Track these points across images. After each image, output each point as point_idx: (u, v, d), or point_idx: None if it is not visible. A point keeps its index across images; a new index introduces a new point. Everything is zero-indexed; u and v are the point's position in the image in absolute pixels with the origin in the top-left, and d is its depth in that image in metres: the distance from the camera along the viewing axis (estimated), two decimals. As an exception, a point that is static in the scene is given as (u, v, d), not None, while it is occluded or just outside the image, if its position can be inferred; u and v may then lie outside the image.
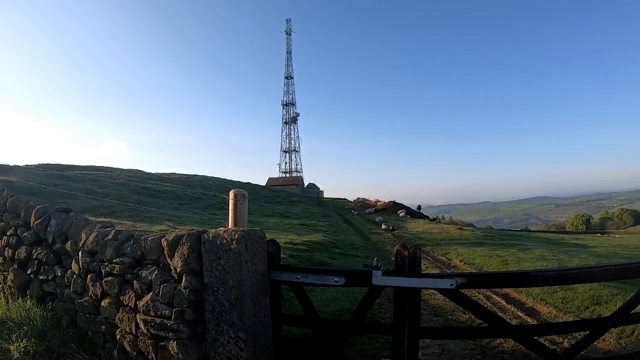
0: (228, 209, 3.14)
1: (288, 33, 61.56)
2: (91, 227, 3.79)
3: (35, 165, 16.42)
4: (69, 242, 3.80)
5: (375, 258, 2.82)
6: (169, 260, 2.93)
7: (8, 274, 4.21)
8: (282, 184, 48.38)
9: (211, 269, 2.75)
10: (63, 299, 3.62)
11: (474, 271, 6.71)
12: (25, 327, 3.43)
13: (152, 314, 2.90)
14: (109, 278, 3.26)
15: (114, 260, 3.29)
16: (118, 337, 3.14)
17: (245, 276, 2.69)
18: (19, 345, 3.20)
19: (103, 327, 3.25)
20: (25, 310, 3.60)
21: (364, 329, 3.16)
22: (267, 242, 2.98)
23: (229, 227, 3.06)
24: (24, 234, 4.28)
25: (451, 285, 2.61)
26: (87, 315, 3.37)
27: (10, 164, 10.29)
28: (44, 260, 3.90)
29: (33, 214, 4.32)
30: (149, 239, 3.16)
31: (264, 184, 42.93)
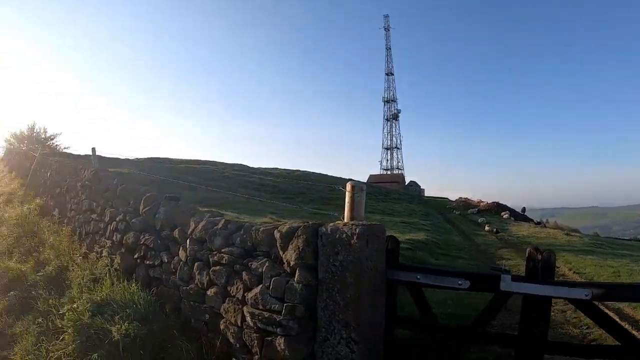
0: (344, 202, 3.81)
1: (387, 29, 73.74)
2: (199, 215, 4.96)
3: (145, 158, 21.54)
4: (177, 229, 5.05)
5: (503, 262, 3.25)
6: (281, 252, 3.66)
7: (115, 257, 5.77)
8: (383, 181, 56.46)
9: (327, 264, 3.39)
10: (168, 285, 4.79)
11: (607, 281, 7.24)
12: (128, 310, 4.69)
13: (261, 307, 3.65)
14: (217, 267, 4.26)
15: (223, 250, 4.30)
16: (222, 327, 4.04)
17: (364, 274, 3.28)
18: (121, 327, 4.42)
19: (207, 315, 4.20)
20: (129, 293, 4.75)
21: (484, 339, 3.46)
22: (386, 239, 3.58)
23: (345, 220, 3.79)
24: (133, 220, 5.74)
25: (586, 295, 2.86)
26: (192, 303, 4.42)
27: (120, 157, 13.42)
28: (151, 246, 5.20)
29: (142, 202, 5.80)
30: (261, 229, 4.06)
31: (364, 181, 49.43)
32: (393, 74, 73.44)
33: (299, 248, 3.55)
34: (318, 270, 3.49)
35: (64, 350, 4.24)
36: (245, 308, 3.84)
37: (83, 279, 5.49)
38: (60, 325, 4.57)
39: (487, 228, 19.93)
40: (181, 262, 4.69)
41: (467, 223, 23.64)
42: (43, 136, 39.56)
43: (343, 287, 3.32)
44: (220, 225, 4.47)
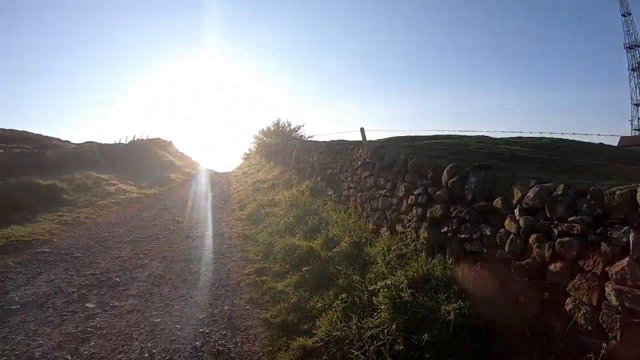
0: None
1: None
2: (522, 183, 5.09)
3: (384, 139, 24.16)
4: (497, 199, 5.25)
5: None
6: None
7: (420, 232, 6.35)
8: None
9: None
10: (491, 259, 5.13)
11: None
12: (455, 287, 5.14)
13: (630, 284, 3.65)
14: (564, 239, 4.26)
15: (570, 219, 4.31)
16: (568, 307, 4.09)
17: None
18: (450, 306, 4.78)
19: (545, 294, 4.31)
20: (449, 269, 5.34)
21: None
22: None
23: None
24: (438, 192, 6.31)
25: None
26: (525, 279, 4.59)
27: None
28: (466, 218, 5.64)
29: (445, 173, 6.19)
30: (617, 193, 3.93)
31: (610, 144, 43.65)
32: (630, 14, 70.98)
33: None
34: None
35: (380, 328, 4.73)
36: (608, 284, 3.73)
37: (388, 255, 6.18)
38: (372, 302, 5.18)
39: None
40: (511, 235, 4.82)
41: None
42: (288, 129, 46.07)
43: None
44: (560, 192, 4.43)
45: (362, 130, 10.32)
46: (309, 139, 26.48)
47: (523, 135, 12.47)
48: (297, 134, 43.08)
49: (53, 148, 30.73)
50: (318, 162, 12.81)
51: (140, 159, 29.14)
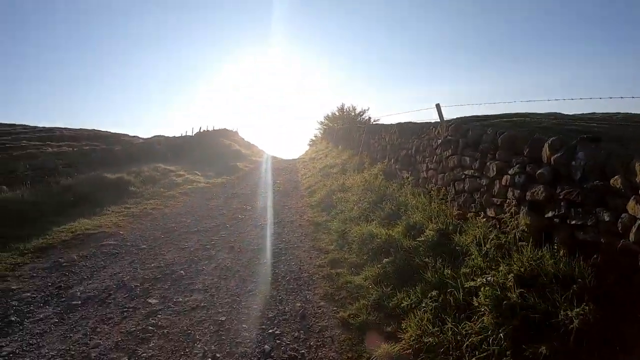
0: None
1: None
2: (646, 157, 4.33)
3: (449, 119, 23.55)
4: (615, 177, 4.52)
5: None
6: None
7: (520, 218, 5.64)
8: None
9: None
10: (612, 251, 4.37)
11: None
12: (575, 286, 4.39)
13: None
14: None
15: None
16: None
17: None
18: (571, 312, 4.03)
19: None
20: (561, 263, 4.49)
21: None
22: None
23: None
24: (539, 171, 5.56)
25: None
26: None
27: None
28: (577, 200, 4.88)
29: (546, 148, 5.49)
30: None
31: None
32: None
33: None
34: None
35: (482, 335, 4.16)
36: None
37: (484, 245, 5.50)
38: (470, 302, 4.59)
39: None
40: (638, 221, 4.07)
41: None
42: (352, 113, 45.92)
43: None
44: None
45: (437, 106, 9.64)
46: (375, 122, 26.00)
47: (597, 111, 11.65)
48: (362, 118, 42.93)
49: (121, 144, 32.02)
50: (390, 143, 12.22)
51: (207, 149, 29.67)
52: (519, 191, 5.70)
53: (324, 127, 46.67)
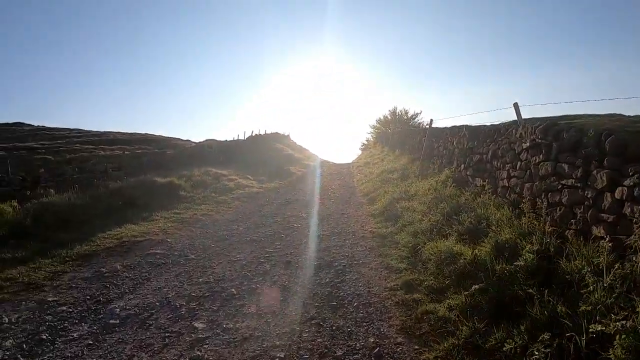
0: None
1: None
2: None
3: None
4: None
5: None
6: None
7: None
8: None
9: None
10: None
11: None
12: None
13: None
14: None
15: None
16: None
17: None
18: None
19: None
20: None
21: None
22: None
23: None
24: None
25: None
26: None
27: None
28: None
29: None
30: None
31: None
32: None
33: None
34: None
35: None
36: None
37: (606, 275, 4.35)
38: (598, 352, 3.55)
39: None
40: None
41: None
42: (405, 117, 44.93)
43: None
44: None
45: (515, 105, 8.64)
46: (433, 126, 24.97)
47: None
48: (415, 121, 41.93)
49: (173, 147, 32.21)
50: (459, 147, 11.19)
51: (259, 153, 29.30)
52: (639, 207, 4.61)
53: (376, 130, 45.91)
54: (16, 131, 38.55)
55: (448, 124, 14.26)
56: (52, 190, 14.21)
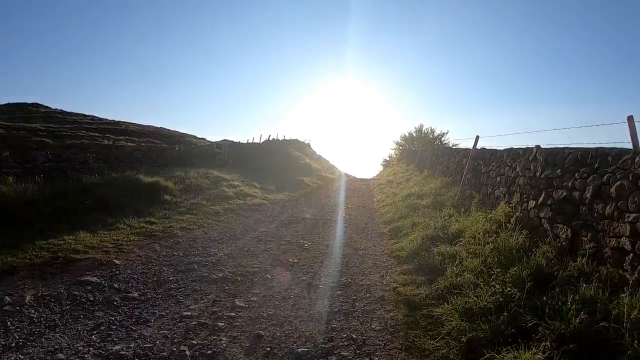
0: None
1: None
2: None
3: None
4: None
5: None
6: None
7: None
8: None
9: None
10: None
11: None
12: None
13: None
14: None
15: None
16: None
17: None
18: None
19: None
20: None
21: None
22: None
23: None
24: None
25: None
26: None
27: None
28: None
29: None
30: None
31: None
32: None
33: None
34: None
35: None
36: None
37: None
38: None
39: None
40: None
41: None
42: (431, 136, 41.90)
43: None
44: None
45: (630, 120, 5.57)
46: (452, 147, 21.88)
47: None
48: (442, 141, 39.22)
49: (184, 144, 29.37)
50: (526, 176, 7.89)
51: (273, 159, 26.41)
52: None
53: (400, 147, 42.99)
54: (30, 111, 36.16)
55: (486, 144, 11.02)
56: (10, 178, 11.30)
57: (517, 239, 6.43)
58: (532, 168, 7.69)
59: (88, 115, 38.11)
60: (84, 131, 28.25)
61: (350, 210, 14.69)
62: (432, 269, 6.69)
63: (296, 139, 39.46)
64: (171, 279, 6.47)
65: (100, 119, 37.03)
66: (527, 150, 8.30)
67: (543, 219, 6.83)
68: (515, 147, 9.15)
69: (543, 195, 7.00)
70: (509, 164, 8.93)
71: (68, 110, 39.55)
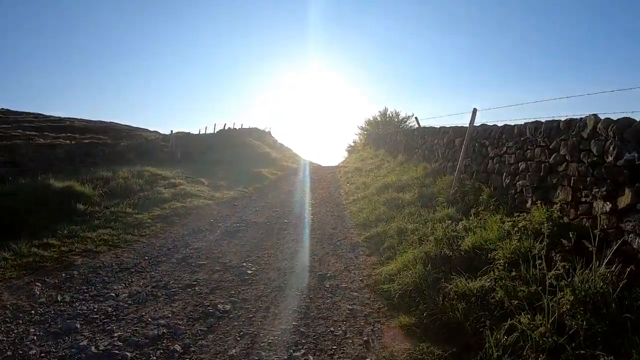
0: None
1: None
2: None
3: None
4: None
5: None
6: None
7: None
8: None
9: None
10: None
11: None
12: None
13: None
14: None
15: None
16: None
17: None
18: None
19: None
20: None
21: None
22: None
23: None
24: None
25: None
26: None
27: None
28: None
29: None
30: None
31: None
32: None
33: None
34: None
35: None
36: None
37: None
38: None
39: None
40: None
41: None
42: (396, 119, 39.47)
43: None
44: None
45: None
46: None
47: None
48: (406, 124, 36.84)
49: (131, 139, 26.14)
50: (577, 161, 5.24)
51: (229, 150, 23.49)
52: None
53: (365, 132, 40.51)
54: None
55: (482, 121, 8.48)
56: None
57: (609, 277, 3.68)
58: (595, 149, 4.99)
59: (32, 114, 34.39)
60: (20, 130, 24.80)
61: (314, 207, 11.96)
62: (455, 332, 3.92)
63: (255, 128, 36.54)
64: (33, 352, 3.71)
65: (46, 117, 33.35)
66: (572, 122, 5.62)
67: (631, 234, 4.19)
68: (544, 119, 6.48)
69: (628, 194, 4.34)
70: (542, 144, 6.24)
71: (14, 110, 35.74)
